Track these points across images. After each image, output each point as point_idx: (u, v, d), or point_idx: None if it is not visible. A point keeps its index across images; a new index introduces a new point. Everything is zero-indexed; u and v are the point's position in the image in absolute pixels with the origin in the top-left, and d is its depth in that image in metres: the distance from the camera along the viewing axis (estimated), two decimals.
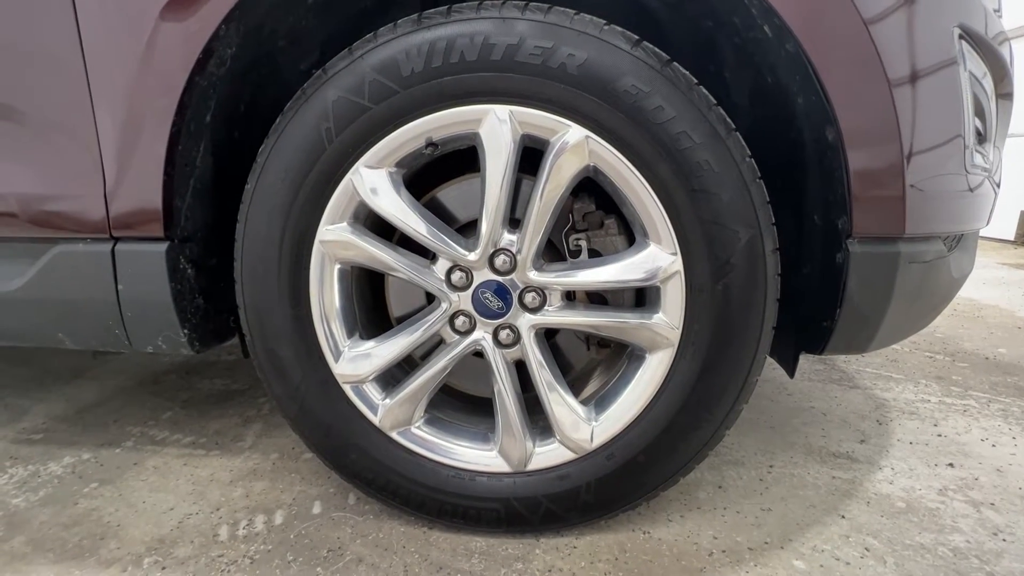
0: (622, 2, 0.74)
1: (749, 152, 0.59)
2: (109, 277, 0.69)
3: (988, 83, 0.69)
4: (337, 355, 0.68)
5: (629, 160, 0.59)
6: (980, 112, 0.69)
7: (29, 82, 0.64)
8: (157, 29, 0.60)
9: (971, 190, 0.66)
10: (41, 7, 0.62)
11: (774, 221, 0.60)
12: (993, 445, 0.93)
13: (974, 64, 0.64)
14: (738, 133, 0.59)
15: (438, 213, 0.70)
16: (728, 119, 0.59)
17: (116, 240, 0.67)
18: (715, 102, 0.58)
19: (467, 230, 0.69)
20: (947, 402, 1.10)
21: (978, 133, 0.70)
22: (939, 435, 0.97)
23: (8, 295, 0.72)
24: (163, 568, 0.67)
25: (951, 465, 0.87)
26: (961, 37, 0.60)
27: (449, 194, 0.72)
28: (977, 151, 0.67)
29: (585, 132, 0.59)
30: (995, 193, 0.78)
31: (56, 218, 0.67)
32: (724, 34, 0.71)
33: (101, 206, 0.66)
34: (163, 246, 0.67)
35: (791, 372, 0.77)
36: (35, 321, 0.74)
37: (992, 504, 0.77)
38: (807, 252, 0.69)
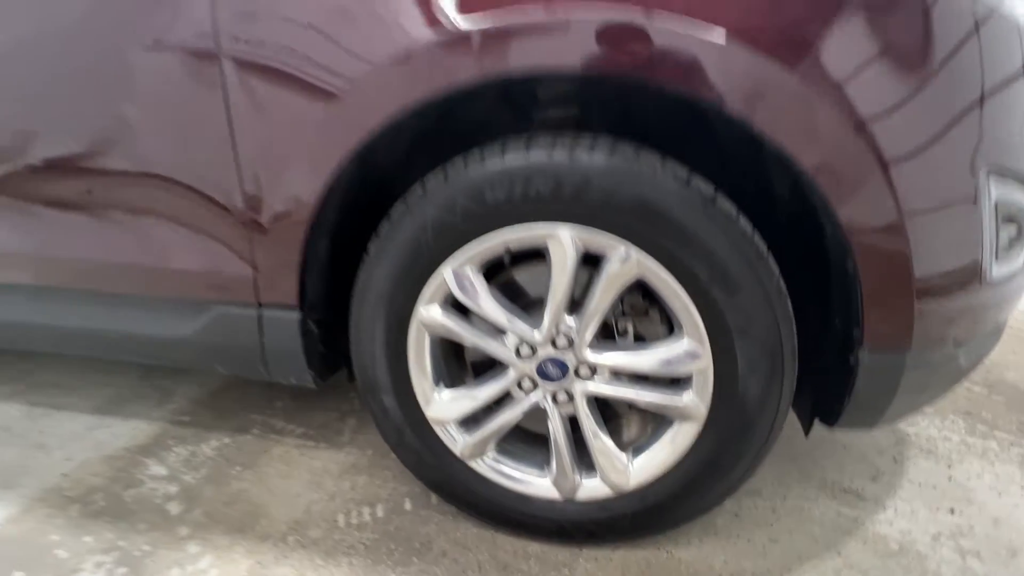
0: (694, 131, 0.81)
1: (778, 271, 0.70)
2: (256, 333, 0.89)
3: None
4: (427, 403, 0.87)
5: (672, 274, 0.71)
6: (1013, 217, 0.74)
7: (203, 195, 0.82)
8: (291, 160, 0.76)
9: (991, 300, 0.73)
10: (207, 133, 0.79)
11: (795, 331, 0.71)
12: (999, 494, 1.02)
13: (1006, 189, 0.69)
14: (770, 256, 0.69)
15: (513, 288, 0.84)
16: (761, 246, 0.69)
17: (262, 307, 0.87)
18: (750, 231, 0.68)
19: (536, 304, 0.84)
20: (968, 442, 1.18)
21: (1010, 239, 0.75)
22: (950, 478, 1.07)
23: (182, 338, 0.94)
24: (303, 546, 0.92)
25: (952, 511, 0.98)
26: (991, 174, 0.66)
27: (523, 275, 0.87)
28: (1003, 259, 0.73)
29: (636, 251, 0.71)
30: None
31: (219, 289, 0.88)
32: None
33: (252, 284, 0.85)
34: (296, 314, 0.86)
35: (806, 432, 0.89)
36: (199, 356, 0.97)
37: (978, 553, 0.89)
38: (826, 346, 0.79)
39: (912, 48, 0.61)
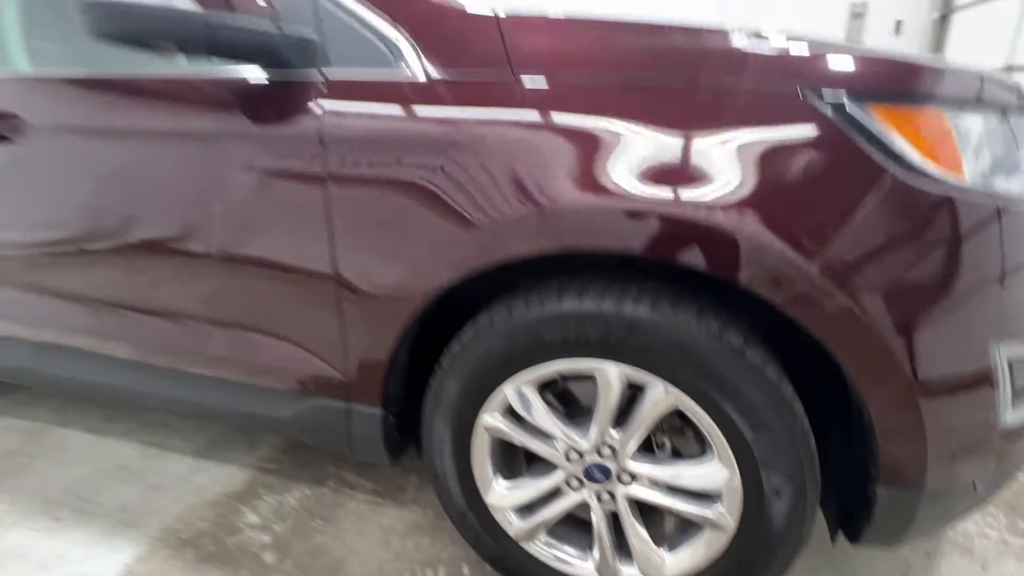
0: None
1: (802, 413, 0.79)
2: (344, 422, 1.06)
3: None
4: (487, 491, 1.00)
5: (705, 411, 0.81)
6: None
7: (310, 308, 0.99)
8: (388, 292, 0.92)
9: (1007, 442, 0.79)
10: (309, 255, 0.95)
11: (818, 470, 0.80)
12: None
13: (1020, 349, 0.76)
14: (796, 400, 0.78)
15: (566, 395, 0.97)
16: (787, 392, 0.78)
17: (351, 403, 1.03)
18: (777, 379, 0.78)
19: (585, 411, 0.95)
20: (1007, 541, 1.20)
21: None
22: None
23: (280, 418, 1.12)
24: None
25: None
26: (1004, 339, 0.73)
27: (576, 387, 0.98)
28: (1018, 406, 0.79)
29: (674, 389, 0.81)
30: None
31: (316, 386, 1.05)
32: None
33: (344, 386, 1.02)
34: (379, 411, 1.02)
35: (832, 539, 0.96)
36: (293, 431, 1.15)
37: None
38: (849, 474, 0.87)
39: (939, 237, 0.69)
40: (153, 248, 1.08)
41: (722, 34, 0.76)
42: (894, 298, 0.70)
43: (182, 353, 1.14)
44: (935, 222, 0.69)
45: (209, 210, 1.00)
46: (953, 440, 0.75)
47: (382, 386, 0.99)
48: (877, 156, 0.68)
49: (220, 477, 1.47)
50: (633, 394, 0.87)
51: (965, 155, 0.72)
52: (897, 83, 0.71)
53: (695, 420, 0.83)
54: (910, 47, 4.67)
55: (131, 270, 1.13)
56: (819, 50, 0.72)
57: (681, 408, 0.83)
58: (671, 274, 0.84)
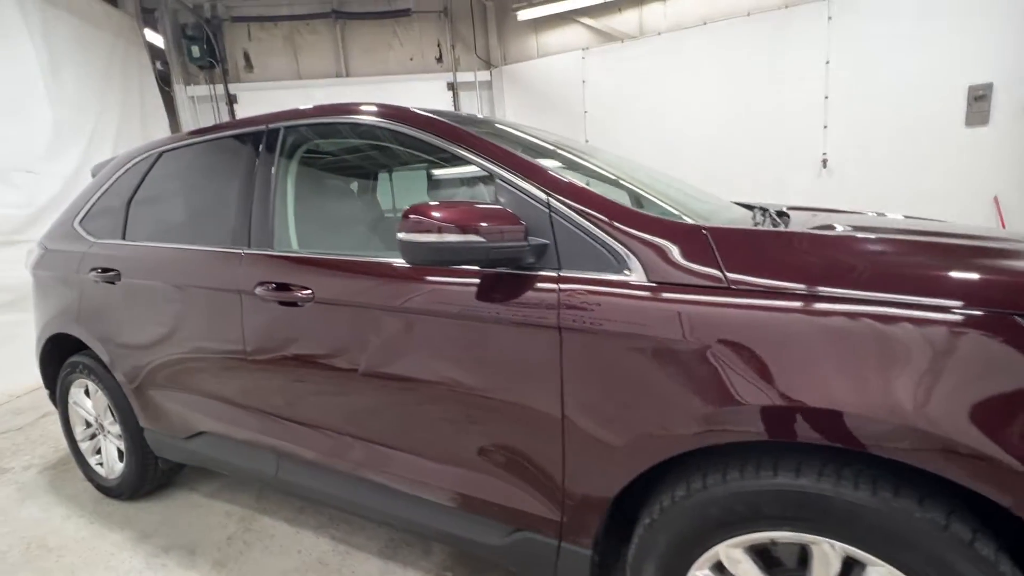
0: None
1: None
2: (553, 557, 1.19)
3: None
4: None
5: None
6: None
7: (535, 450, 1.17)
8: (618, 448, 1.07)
9: None
10: (541, 399, 1.13)
11: None
12: None
13: None
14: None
15: (768, 555, 1.04)
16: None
17: (562, 542, 1.18)
18: (1012, 573, 0.81)
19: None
20: None
21: None
22: None
23: (490, 545, 1.28)
24: None
25: None
26: None
27: (781, 548, 1.06)
28: None
29: (894, 570, 0.87)
30: None
31: (532, 523, 1.20)
32: None
33: (559, 526, 1.16)
34: (589, 551, 1.15)
35: None
36: (498, 558, 1.30)
37: None
38: None
39: None
40: (407, 396, 1.32)
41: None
42: None
43: (412, 480, 1.36)
44: None
45: (460, 363, 1.21)
46: None
47: (597, 529, 1.12)
48: None
49: None
50: (848, 562, 0.93)
51: None
52: None
53: None
54: None
55: (383, 412, 1.37)
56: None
57: None
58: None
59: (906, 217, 1.80)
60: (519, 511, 1.21)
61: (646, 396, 1.01)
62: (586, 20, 5.44)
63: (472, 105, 5.98)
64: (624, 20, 5.33)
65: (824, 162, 4.80)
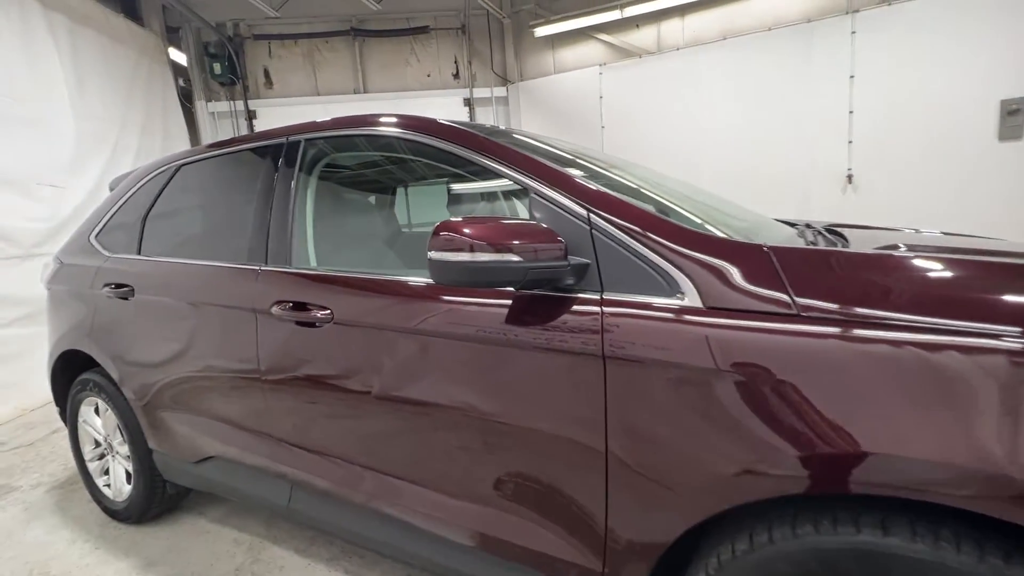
0: None
1: None
2: None
3: None
4: None
5: None
6: None
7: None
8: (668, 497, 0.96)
9: None
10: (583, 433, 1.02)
11: None
12: None
13: None
14: None
15: None
16: None
17: None
18: None
19: None
20: None
21: None
22: None
23: None
24: None
25: None
26: None
27: None
28: None
29: None
30: None
31: (566, 568, 1.09)
32: None
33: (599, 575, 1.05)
34: None
35: None
36: None
37: None
38: None
39: None
40: (429, 424, 1.22)
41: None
42: None
43: (434, 517, 1.26)
44: None
45: (496, 390, 1.11)
46: None
47: None
48: None
49: None
50: None
51: None
52: None
53: None
54: None
55: (405, 442, 1.27)
56: None
57: None
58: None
59: (944, 234, 1.68)
60: (553, 557, 1.10)
61: (711, 433, 0.90)
62: (603, 36, 5.43)
63: (488, 120, 5.97)
64: (642, 36, 5.30)
65: (849, 177, 4.67)
